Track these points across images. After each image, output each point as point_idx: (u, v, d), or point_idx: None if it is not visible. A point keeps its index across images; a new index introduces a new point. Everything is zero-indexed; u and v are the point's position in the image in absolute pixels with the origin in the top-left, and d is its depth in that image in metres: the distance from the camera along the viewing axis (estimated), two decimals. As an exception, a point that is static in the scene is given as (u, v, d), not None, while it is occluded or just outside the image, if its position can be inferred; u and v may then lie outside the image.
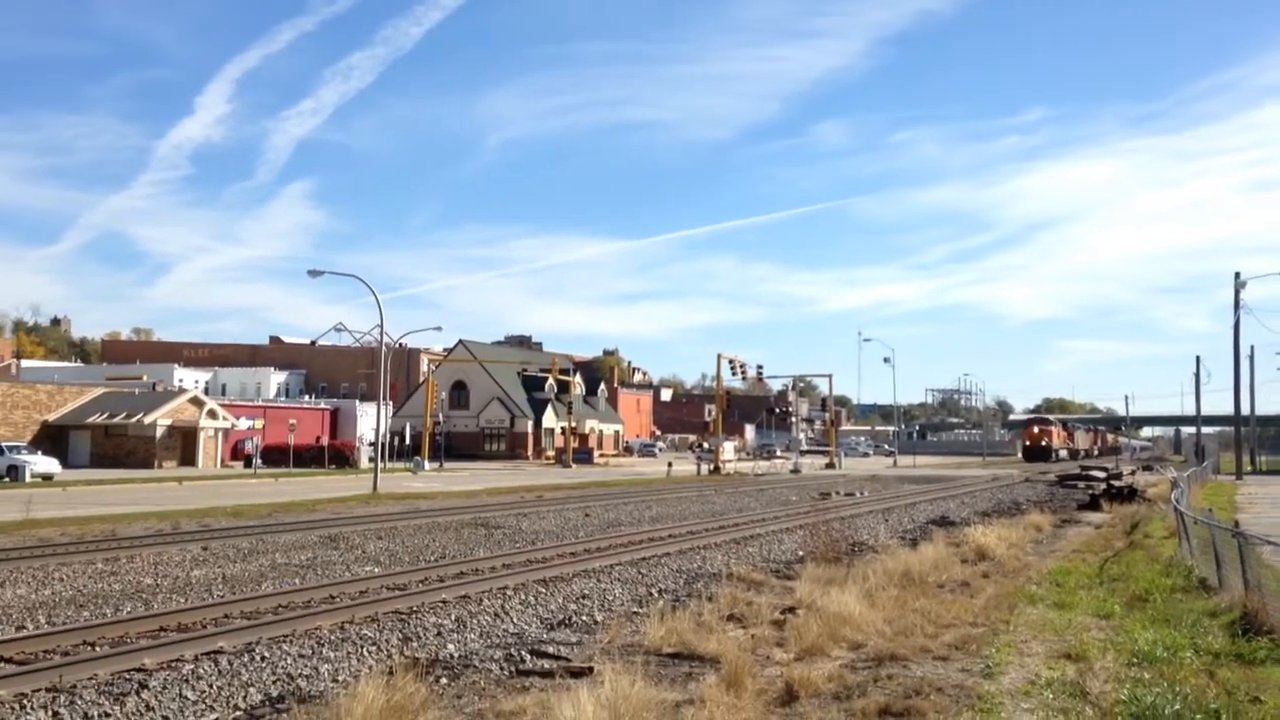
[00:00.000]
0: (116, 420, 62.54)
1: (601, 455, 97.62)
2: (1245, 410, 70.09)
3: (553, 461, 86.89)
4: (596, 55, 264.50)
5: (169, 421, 63.37)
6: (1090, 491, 40.68)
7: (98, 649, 11.63)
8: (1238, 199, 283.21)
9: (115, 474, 52.17)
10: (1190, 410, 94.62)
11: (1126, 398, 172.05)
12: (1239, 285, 60.37)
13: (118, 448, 62.58)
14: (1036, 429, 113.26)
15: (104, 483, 45.31)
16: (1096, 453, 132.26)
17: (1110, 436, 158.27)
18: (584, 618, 14.41)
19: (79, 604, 14.93)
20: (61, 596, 15.61)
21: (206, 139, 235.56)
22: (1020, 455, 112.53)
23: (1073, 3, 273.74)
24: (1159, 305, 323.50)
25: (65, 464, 53.99)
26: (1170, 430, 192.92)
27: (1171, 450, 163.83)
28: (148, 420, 61.87)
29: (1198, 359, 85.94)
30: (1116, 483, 41.03)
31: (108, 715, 9.15)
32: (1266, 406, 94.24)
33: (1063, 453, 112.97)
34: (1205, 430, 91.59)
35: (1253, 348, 77.06)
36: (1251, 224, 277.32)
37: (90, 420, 63.06)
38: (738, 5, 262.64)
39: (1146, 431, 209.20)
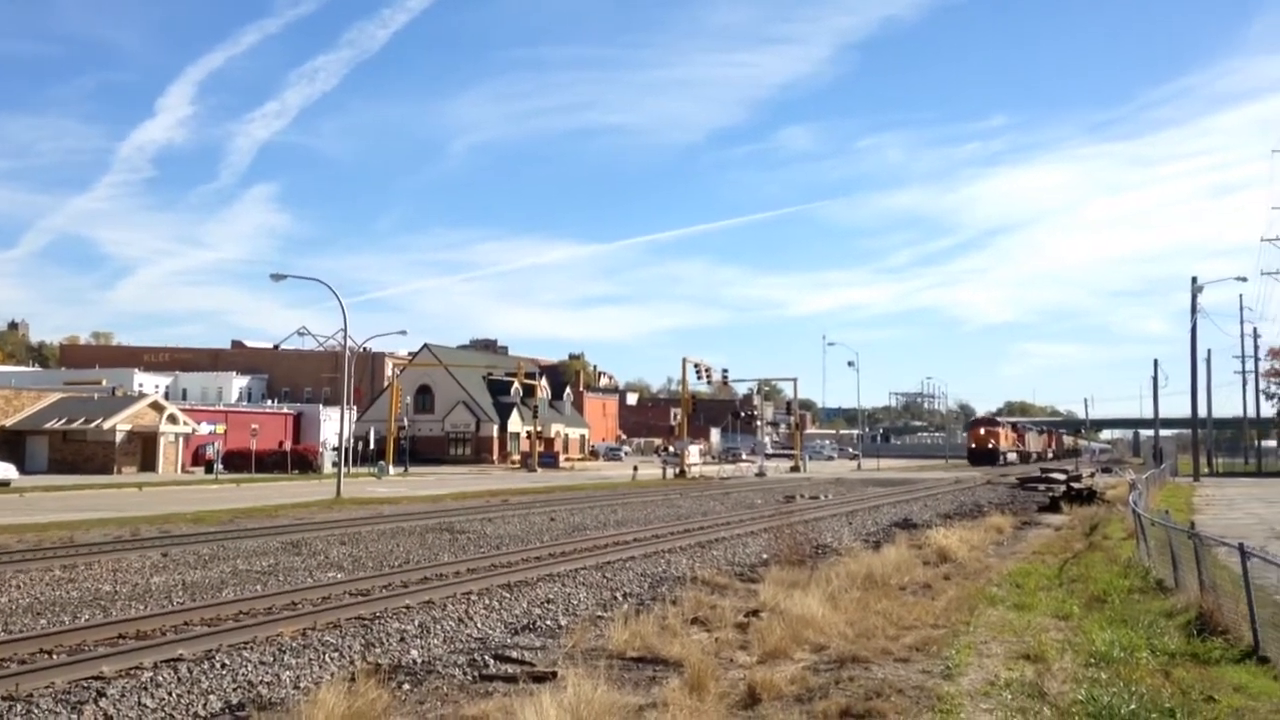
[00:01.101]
0: (75, 425, 61.73)
1: (567, 459, 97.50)
2: (1202, 413, 71.13)
3: (518, 466, 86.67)
4: (564, 59, 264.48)
5: (128, 427, 62.64)
6: (1050, 494, 41.16)
7: (55, 657, 11.49)
8: (1194, 204, 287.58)
9: (74, 480, 51.50)
10: (1149, 413, 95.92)
11: (1086, 400, 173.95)
12: (1196, 290, 61.31)
13: (76, 453, 61.77)
14: (983, 430, 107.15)
15: (62, 489, 44.72)
16: (1050, 455, 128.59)
17: (1069, 439, 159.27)
18: (548, 622, 14.41)
19: (36, 611, 14.74)
20: (18, 604, 15.40)
21: (169, 141, 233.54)
22: (966, 459, 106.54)
23: (1035, 10, 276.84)
24: (1117, 309, 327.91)
25: (22, 470, 53.21)
26: (1129, 433, 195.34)
27: (1130, 452, 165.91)
28: (107, 425, 61.13)
29: (1155, 362, 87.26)
30: (1076, 485, 41.54)
31: (65, 724, 9.05)
32: (1223, 409, 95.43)
33: (1011, 456, 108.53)
34: (1163, 433, 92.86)
35: (1210, 351, 78.43)
36: (1208, 229, 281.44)
37: (48, 425, 62.20)
38: (704, 11, 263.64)
39: (1106, 434, 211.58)
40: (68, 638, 12.45)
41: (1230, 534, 19.62)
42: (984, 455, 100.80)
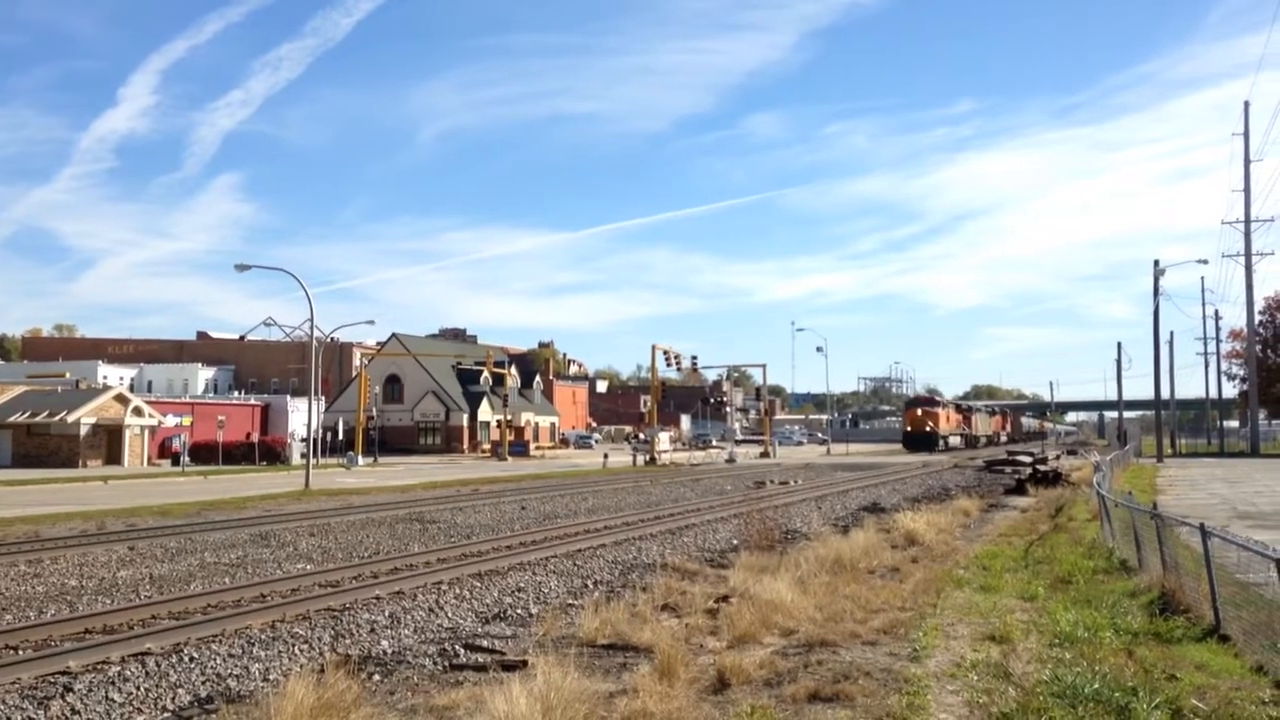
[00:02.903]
0: (39, 419, 61.04)
1: (538, 448, 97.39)
2: (1166, 395, 71.95)
3: (489, 455, 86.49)
4: (531, 47, 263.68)
5: (93, 420, 61.98)
6: (1017, 476, 41.56)
7: (20, 652, 11.38)
8: (1157, 189, 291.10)
9: (38, 474, 50.90)
10: (1113, 395, 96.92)
11: (1051, 383, 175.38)
12: (1158, 273, 61.96)
13: (40, 447, 61.07)
14: (919, 411, 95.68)
15: (26, 483, 44.21)
16: (1004, 439, 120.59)
17: (1032, 421, 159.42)
18: (519, 611, 14.42)
19: (1, 607, 14.59)
20: (-18, 600, 15.25)
21: (131, 131, 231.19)
22: (901, 443, 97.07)
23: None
24: (1082, 293, 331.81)
25: (-15, 464, 52.60)
26: (1094, 415, 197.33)
27: (1096, 435, 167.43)
28: (71, 419, 60.46)
29: (1119, 345, 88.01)
30: (1042, 467, 41.96)
31: (31, 720, 8.99)
32: (1186, 390, 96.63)
33: (954, 440, 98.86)
34: (1127, 414, 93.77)
35: (1172, 333, 79.69)
36: (1170, 213, 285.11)
37: (11, 419, 61.46)
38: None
39: (1071, 416, 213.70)
40: (33, 633, 12.34)
41: (1193, 514, 19.86)
42: (920, 439, 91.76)
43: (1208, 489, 35.74)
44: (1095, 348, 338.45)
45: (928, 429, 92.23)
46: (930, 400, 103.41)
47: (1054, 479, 39.38)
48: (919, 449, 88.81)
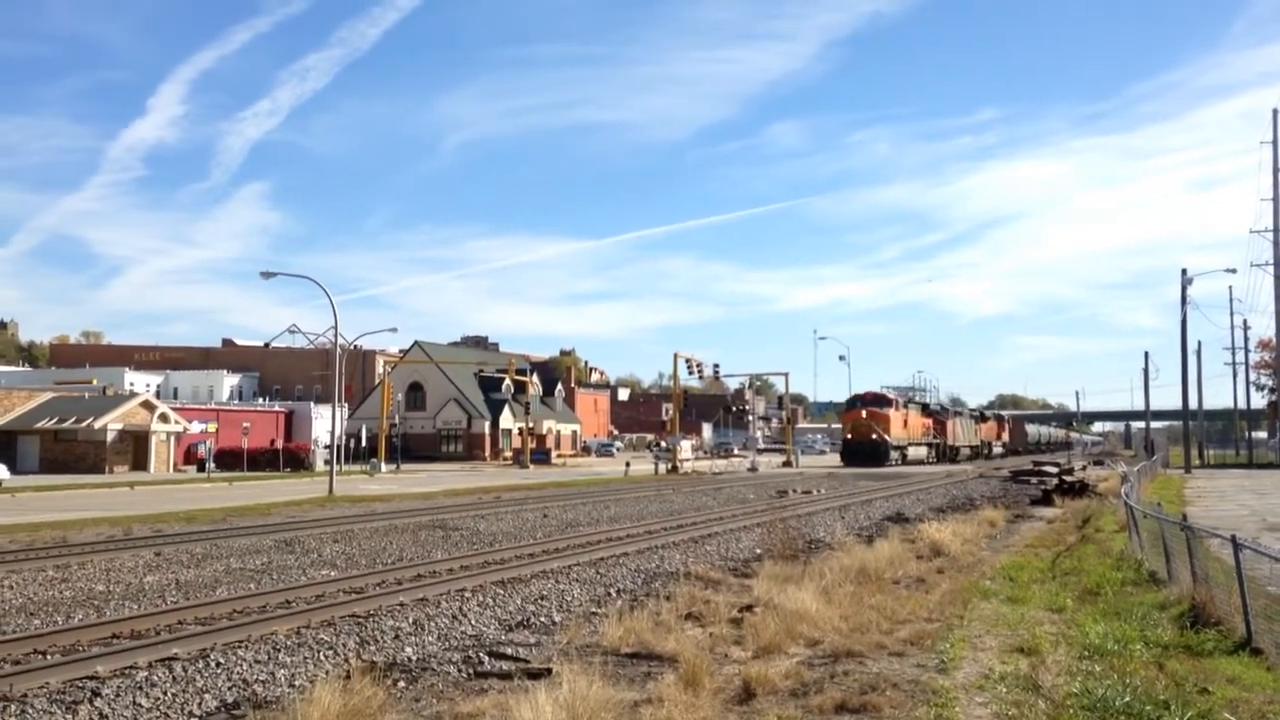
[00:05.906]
0: (66, 425, 61.52)
1: (559, 455, 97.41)
2: (1193, 405, 71.34)
3: (510, 462, 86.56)
4: (553, 57, 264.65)
5: (120, 426, 62.46)
6: (1043, 487, 41.27)
7: (49, 657, 11.45)
8: (1183, 197, 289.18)
9: (65, 479, 51.32)
10: (1140, 405, 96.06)
11: (1077, 393, 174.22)
12: (1186, 282, 61.48)
13: (68, 453, 61.59)
14: (863, 413, 74.56)
15: (54, 488, 44.57)
16: (998, 451, 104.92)
17: (1062, 431, 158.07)
18: (542, 619, 14.40)
19: (29, 612, 14.69)
20: (11, 604, 15.35)
21: (160, 140, 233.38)
22: (840, 455, 78.39)
23: (1022, 3, 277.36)
24: (1108, 301, 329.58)
25: (14, 470, 53.02)
26: (1121, 425, 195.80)
27: (1122, 445, 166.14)
28: (98, 425, 60.94)
29: (1146, 354, 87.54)
30: (1068, 478, 41.66)
31: (59, 725, 9.02)
32: (1214, 401, 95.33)
33: (915, 451, 79.76)
34: (1155, 425, 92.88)
35: (1200, 343, 78.47)
36: (1197, 221, 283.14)
37: (39, 425, 61.99)
38: (691, 8, 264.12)
39: (1098, 426, 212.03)
40: (61, 638, 12.40)
41: (1222, 526, 19.64)
42: (863, 451, 72.58)
43: (1237, 500, 35.38)
44: (1121, 357, 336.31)
45: (873, 437, 73.19)
46: (879, 399, 78.49)
47: (1080, 490, 39.08)
48: (862, 462, 70.97)
